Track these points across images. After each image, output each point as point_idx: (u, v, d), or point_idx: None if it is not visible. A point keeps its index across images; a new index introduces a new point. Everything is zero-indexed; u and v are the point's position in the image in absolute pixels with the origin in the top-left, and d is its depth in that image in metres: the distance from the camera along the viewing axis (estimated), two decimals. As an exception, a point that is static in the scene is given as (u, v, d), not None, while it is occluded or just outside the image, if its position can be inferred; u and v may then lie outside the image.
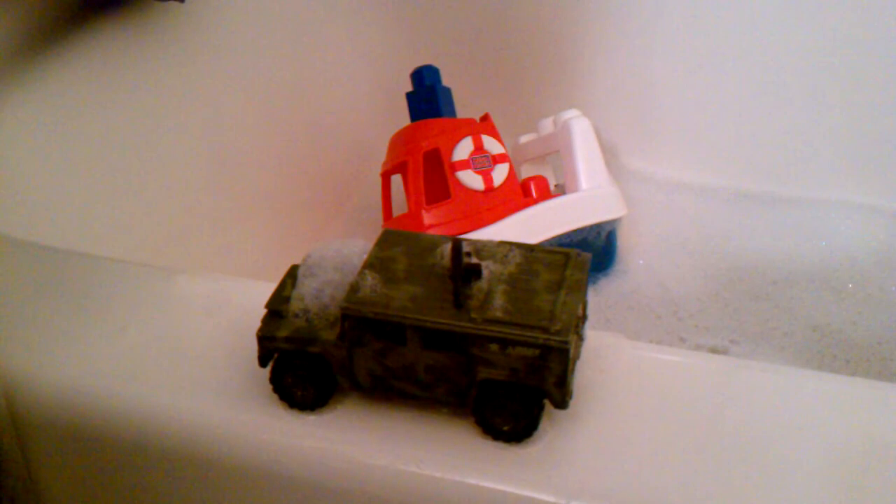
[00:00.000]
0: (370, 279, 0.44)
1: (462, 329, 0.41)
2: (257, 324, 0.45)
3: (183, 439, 0.47)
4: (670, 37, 1.04)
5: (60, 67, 0.71)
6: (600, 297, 0.91)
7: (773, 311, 0.91)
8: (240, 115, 0.87)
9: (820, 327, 0.90)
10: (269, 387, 0.46)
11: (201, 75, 0.82)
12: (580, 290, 0.44)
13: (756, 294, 0.93)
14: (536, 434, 0.43)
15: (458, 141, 0.89)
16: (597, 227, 0.89)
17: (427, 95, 0.96)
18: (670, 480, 0.42)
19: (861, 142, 1.03)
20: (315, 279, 0.46)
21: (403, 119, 0.97)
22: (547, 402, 0.43)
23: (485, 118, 0.94)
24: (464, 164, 0.88)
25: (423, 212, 0.86)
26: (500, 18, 1.10)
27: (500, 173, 0.89)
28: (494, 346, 0.42)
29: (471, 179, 0.88)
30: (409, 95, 0.98)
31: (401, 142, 0.93)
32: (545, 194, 0.89)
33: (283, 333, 0.45)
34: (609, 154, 1.05)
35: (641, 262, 0.96)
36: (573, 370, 0.44)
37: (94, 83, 0.73)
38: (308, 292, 0.46)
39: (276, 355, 0.45)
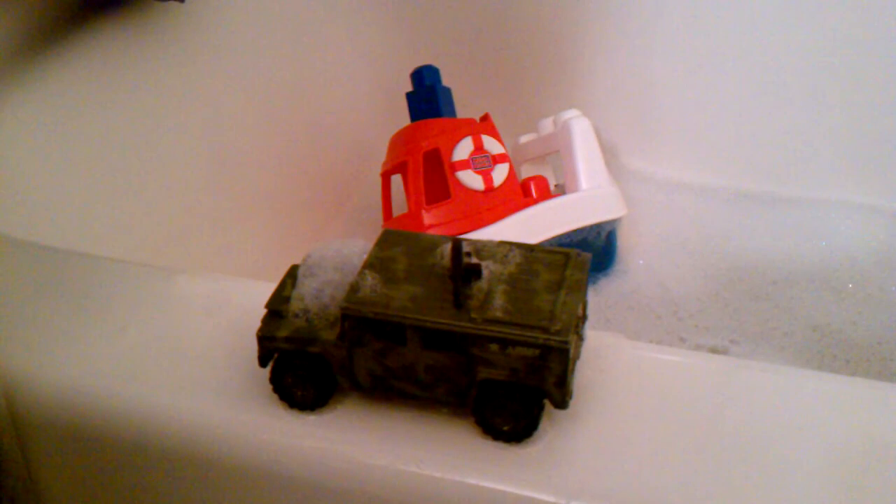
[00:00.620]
0: (370, 279, 0.44)
1: (462, 329, 0.41)
2: (257, 324, 0.45)
3: (183, 439, 0.47)
4: (670, 37, 1.04)
5: (60, 67, 0.71)
6: (600, 297, 0.91)
7: (773, 311, 0.91)
8: (240, 115, 0.87)
9: (820, 327, 0.90)
10: (269, 387, 0.46)
11: (201, 75, 0.82)
12: (580, 291, 0.44)
13: (756, 294, 0.93)
14: (536, 434, 0.43)
15: (458, 141, 0.89)
16: (597, 227, 0.89)
17: (427, 95, 0.96)
18: (670, 480, 0.42)
19: (861, 142, 1.03)
20: (315, 279, 0.46)
21: (403, 119, 0.97)
22: (547, 402, 0.43)
23: (485, 118, 0.94)
24: (464, 164, 0.88)
25: (423, 212, 0.86)
26: (500, 18, 1.10)
27: (500, 173, 0.89)
28: (494, 346, 0.42)
29: (471, 179, 0.88)
30: (409, 95, 0.98)
31: (401, 142, 0.93)
32: (545, 194, 0.89)
33: (283, 333, 0.45)
34: (609, 154, 1.05)
35: (641, 261, 0.96)
36: (573, 370, 0.44)
37: (94, 83, 0.73)
38: (308, 292, 0.46)
39: (276, 355, 0.45)
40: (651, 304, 0.91)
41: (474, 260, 0.44)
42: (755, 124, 1.04)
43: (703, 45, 1.03)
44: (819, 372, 0.49)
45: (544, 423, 0.44)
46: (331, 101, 1.06)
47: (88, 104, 0.72)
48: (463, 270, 0.43)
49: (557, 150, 0.94)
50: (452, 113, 0.97)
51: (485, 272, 0.44)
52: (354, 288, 0.44)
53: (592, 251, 0.90)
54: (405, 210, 0.90)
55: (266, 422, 0.46)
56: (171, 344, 0.51)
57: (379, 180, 0.96)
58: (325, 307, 0.45)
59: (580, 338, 0.46)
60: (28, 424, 0.51)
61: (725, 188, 1.04)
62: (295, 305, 0.46)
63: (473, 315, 0.42)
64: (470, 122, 0.93)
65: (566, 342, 0.41)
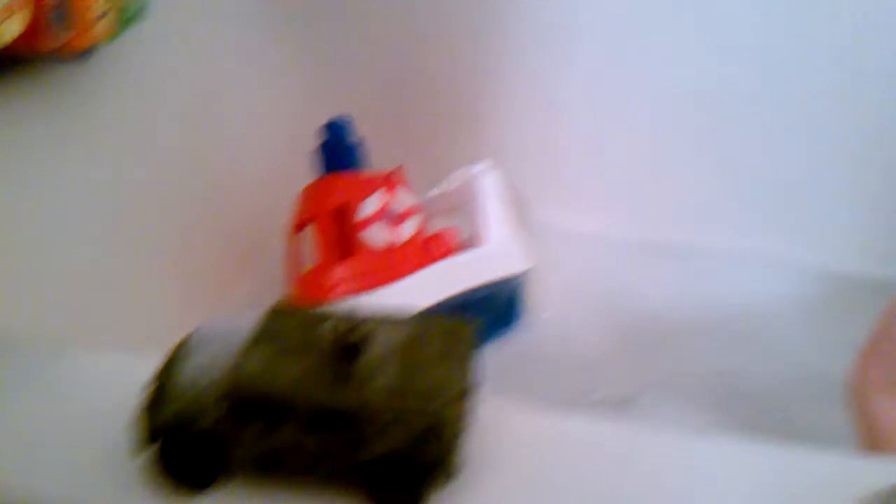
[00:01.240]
0: (256, 355, 0.44)
1: (345, 407, 0.42)
2: (144, 400, 0.45)
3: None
4: (580, 90, 1.07)
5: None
6: (505, 353, 0.92)
7: (676, 361, 0.93)
8: (143, 177, 0.85)
9: (722, 375, 0.92)
10: (156, 466, 0.45)
11: (103, 136, 0.80)
12: (469, 360, 0.45)
13: (660, 344, 0.95)
14: (427, 507, 0.43)
15: (367, 195, 0.89)
16: (503, 282, 0.90)
17: (338, 149, 0.96)
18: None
19: (759, 193, 1.07)
20: (203, 354, 0.46)
21: (314, 173, 0.97)
22: (437, 474, 0.43)
23: (395, 172, 0.95)
24: (372, 220, 0.88)
25: (330, 269, 0.86)
26: (415, 71, 1.12)
27: (408, 228, 0.89)
28: (380, 422, 0.42)
29: (378, 235, 0.88)
30: (319, 148, 0.98)
31: (309, 197, 0.93)
32: (453, 249, 0.90)
33: (170, 410, 0.44)
34: (521, 206, 1.07)
35: (548, 315, 0.97)
36: (461, 442, 0.44)
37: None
38: (196, 367, 0.45)
39: (162, 433, 0.45)
40: (556, 358, 0.93)
41: (359, 335, 0.44)
42: (659, 176, 1.07)
43: (611, 99, 1.06)
44: (715, 436, 0.51)
45: (436, 496, 0.44)
46: (240, 156, 1.05)
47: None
48: (348, 346, 0.43)
49: (467, 202, 0.95)
50: (364, 166, 0.97)
51: (373, 344, 0.45)
52: (239, 365, 0.43)
53: (498, 306, 0.92)
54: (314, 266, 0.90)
55: None
56: (53, 426, 0.49)
57: (288, 237, 0.95)
58: (212, 383, 0.45)
59: (468, 409, 0.46)
60: None
61: (632, 239, 1.07)
62: (182, 381, 0.45)
63: (357, 392, 0.42)
64: (380, 175, 0.93)
65: (449, 416, 0.41)
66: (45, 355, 0.55)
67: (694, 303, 1.00)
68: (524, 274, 0.92)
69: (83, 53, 0.72)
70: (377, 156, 0.98)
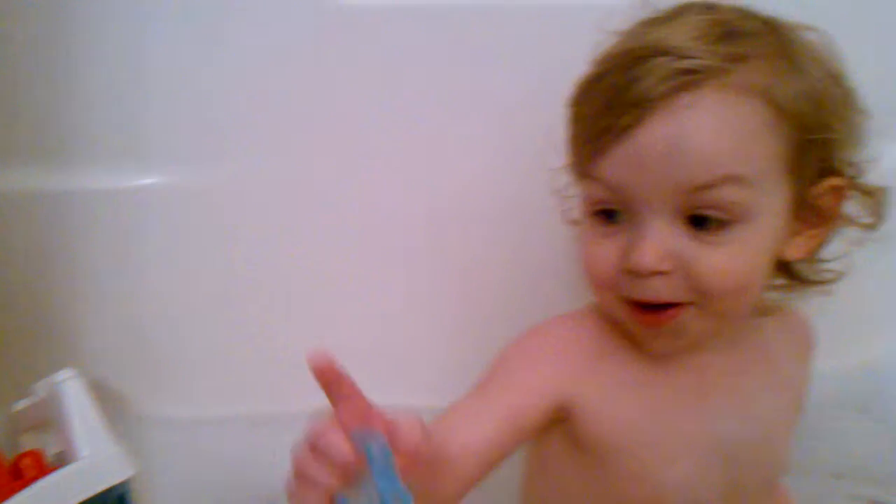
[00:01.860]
0: None
1: None
2: None
3: None
4: (156, 275, 1.05)
5: None
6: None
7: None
8: None
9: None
10: None
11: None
12: None
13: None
14: None
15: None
16: (104, 495, 0.83)
17: None
18: None
19: (372, 348, 1.09)
20: None
21: None
22: None
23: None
24: (-63, 458, 0.78)
25: None
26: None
27: (-15, 457, 0.80)
28: None
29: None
30: None
31: None
32: (41, 470, 0.82)
33: None
34: (120, 405, 1.02)
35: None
36: None
37: None
38: None
39: None
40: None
41: None
42: (261, 348, 1.07)
43: (184, 284, 1.06)
44: None
45: None
46: None
47: None
48: None
49: (54, 415, 0.88)
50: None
51: None
52: None
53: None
54: None
55: None
56: None
57: None
58: None
59: None
60: None
61: (242, 416, 1.05)
62: None
63: None
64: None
65: None
66: None
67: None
68: (129, 480, 0.86)
69: None
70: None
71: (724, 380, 0.71)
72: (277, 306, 1.07)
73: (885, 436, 1.05)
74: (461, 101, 1.00)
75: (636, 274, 0.63)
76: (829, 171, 0.66)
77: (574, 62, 0.68)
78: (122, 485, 0.85)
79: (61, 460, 0.86)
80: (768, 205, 0.63)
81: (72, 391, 0.86)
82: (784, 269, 0.70)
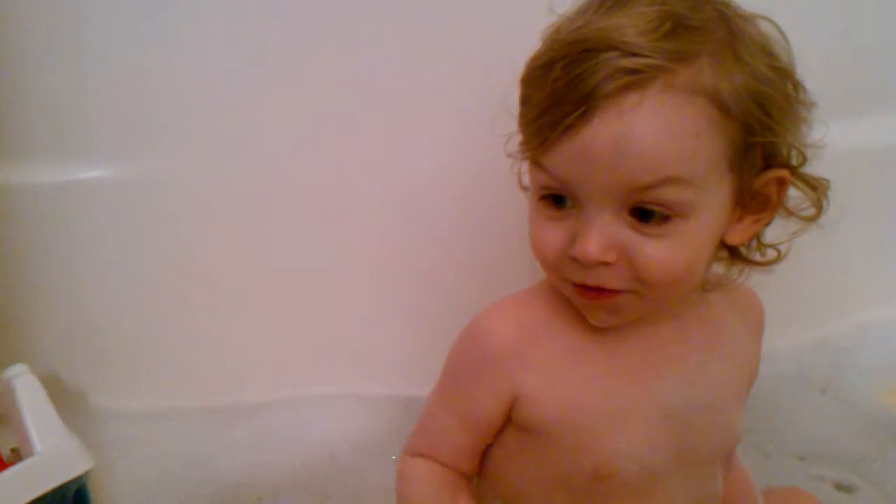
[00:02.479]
0: None
1: None
2: None
3: None
4: (105, 269, 1.04)
5: None
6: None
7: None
8: None
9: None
10: None
11: None
12: None
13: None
14: None
15: None
16: (62, 490, 0.83)
17: None
18: None
19: (330, 338, 1.10)
20: None
21: None
22: None
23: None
24: None
25: None
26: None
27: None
28: None
29: None
30: None
31: None
32: (3, 464, 0.82)
33: None
34: (75, 399, 1.01)
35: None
36: None
37: None
38: None
39: None
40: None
41: None
42: (213, 338, 1.07)
43: (136, 279, 1.05)
44: None
45: None
46: None
47: None
48: None
49: (7, 411, 0.87)
50: None
51: None
52: None
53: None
54: None
55: None
56: None
57: None
58: None
59: None
60: None
61: (197, 407, 1.04)
62: None
63: None
64: None
65: None
66: None
67: (277, 462, 0.98)
68: (86, 474, 0.86)
69: None
70: None
71: (669, 349, 0.73)
72: (229, 298, 1.07)
73: (845, 417, 1.07)
74: (417, 87, 1.01)
75: (581, 263, 0.65)
76: (773, 161, 0.67)
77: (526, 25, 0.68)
78: (80, 478, 0.85)
79: (18, 456, 0.86)
80: (711, 199, 0.64)
81: (24, 386, 0.85)
82: (726, 248, 0.72)
